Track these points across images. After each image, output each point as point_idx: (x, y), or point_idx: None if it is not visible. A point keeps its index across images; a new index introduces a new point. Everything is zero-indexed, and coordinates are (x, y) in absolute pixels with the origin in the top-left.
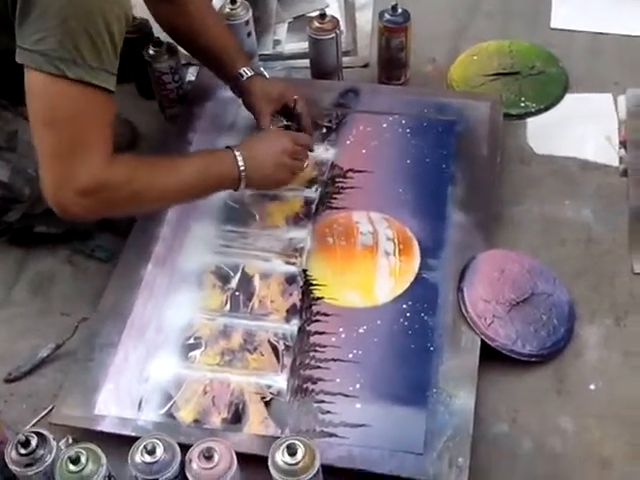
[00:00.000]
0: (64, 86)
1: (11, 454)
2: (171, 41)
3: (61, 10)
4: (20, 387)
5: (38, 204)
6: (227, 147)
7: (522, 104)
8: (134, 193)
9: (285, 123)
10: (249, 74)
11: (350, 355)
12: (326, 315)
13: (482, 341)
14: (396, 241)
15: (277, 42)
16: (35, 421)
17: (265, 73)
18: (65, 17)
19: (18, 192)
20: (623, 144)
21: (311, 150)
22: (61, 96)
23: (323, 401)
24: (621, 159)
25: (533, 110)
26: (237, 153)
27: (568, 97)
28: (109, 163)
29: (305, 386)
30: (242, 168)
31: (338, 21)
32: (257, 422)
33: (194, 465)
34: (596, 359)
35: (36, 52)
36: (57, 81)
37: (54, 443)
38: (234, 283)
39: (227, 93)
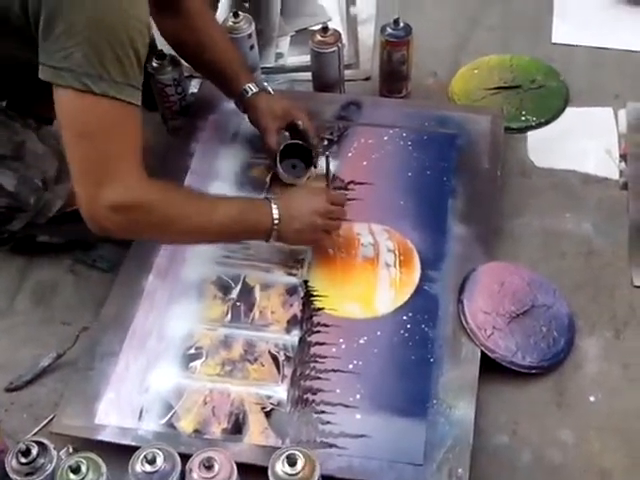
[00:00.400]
0: (90, 101)
1: (12, 463)
2: (174, 53)
3: (86, 26)
4: (21, 396)
5: (42, 214)
6: (266, 198)
7: (523, 118)
8: (166, 220)
9: (293, 141)
10: (254, 90)
11: (350, 366)
12: (326, 326)
13: (482, 352)
14: (397, 253)
15: (279, 55)
16: (36, 430)
17: (269, 89)
18: (90, 33)
19: (24, 201)
20: (623, 157)
21: (342, 206)
22: (88, 111)
23: (323, 412)
24: (621, 172)
25: (534, 124)
26: (274, 205)
27: (569, 111)
28: (144, 181)
29: (305, 397)
30: (276, 221)
31: (340, 34)
32: (257, 432)
33: (194, 475)
34: (596, 371)
35: (62, 69)
36: (83, 96)
37: (54, 452)
38: (235, 294)
39: (230, 105)
